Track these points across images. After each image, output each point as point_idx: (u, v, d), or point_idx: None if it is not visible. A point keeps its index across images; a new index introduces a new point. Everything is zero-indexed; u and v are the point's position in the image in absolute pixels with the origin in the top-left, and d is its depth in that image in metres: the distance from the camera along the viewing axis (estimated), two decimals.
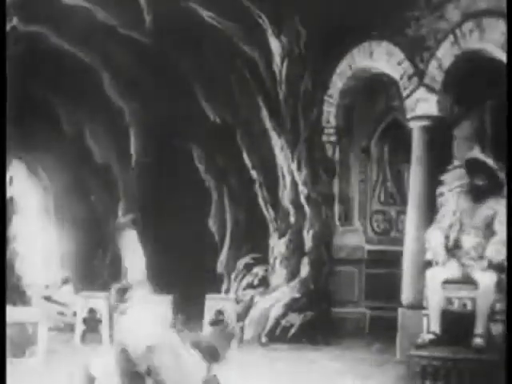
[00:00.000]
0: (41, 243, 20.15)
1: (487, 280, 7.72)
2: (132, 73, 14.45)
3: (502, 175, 8.07)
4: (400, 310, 9.59)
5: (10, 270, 13.93)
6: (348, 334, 10.84)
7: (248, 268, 13.59)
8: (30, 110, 15.27)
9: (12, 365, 8.06)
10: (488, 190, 8.08)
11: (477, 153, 8.28)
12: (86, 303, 11.06)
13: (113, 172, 17.19)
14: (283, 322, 10.91)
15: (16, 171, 17.43)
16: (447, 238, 8.14)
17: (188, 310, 11.73)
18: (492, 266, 7.77)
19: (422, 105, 9.74)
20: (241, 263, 13.86)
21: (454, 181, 8.57)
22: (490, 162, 8.12)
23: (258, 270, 13.19)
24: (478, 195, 8.11)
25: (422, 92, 9.75)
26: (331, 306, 11.01)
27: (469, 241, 8.08)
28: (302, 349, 10.32)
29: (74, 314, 11.57)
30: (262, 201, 13.15)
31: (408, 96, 9.89)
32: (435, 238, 8.12)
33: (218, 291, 13.47)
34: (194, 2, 11.46)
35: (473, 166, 8.16)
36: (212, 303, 10.78)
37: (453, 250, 8.15)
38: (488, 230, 8.01)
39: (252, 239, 13.96)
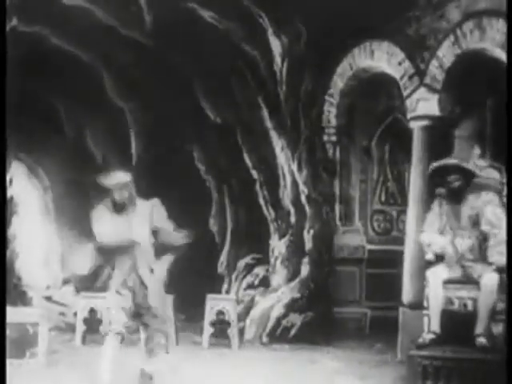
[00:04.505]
0: (41, 244, 20.15)
1: (490, 280, 7.71)
2: (132, 73, 14.44)
3: (473, 168, 8.08)
4: (401, 310, 9.59)
5: (11, 271, 13.92)
6: (349, 333, 10.83)
7: (249, 268, 13.58)
8: (30, 111, 15.27)
9: (12, 366, 8.07)
10: (464, 188, 8.04)
11: (442, 161, 8.27)
12: (86, 303, 11.05)
13: None
14: (284, 322, 10.91)
15: (16, 172, 17.42)
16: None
17: (188, 310, 11.72)
18: (498, 269, 7.76)
19: (423, 104, 9.73)
20: (241, 263, 13.85)
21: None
22: (455, 161, 8.13)
23: (259, 271, 13.18)
24: (457, 196, 8.07)
25: (422, 92, 9.74)
26: (332, 305, 11.00)
27: (462, 244, 8.06)
28: (303, 349, 10.31)
29: (75, 314, 11.56)
30: (262, 201, 13.13)
31: (409, 96, 9.88)
32: (439, 240, 8.08)
33: (219, 291, 13.47)
34: (194, 1, 11.45)
35: (443, 172, 8.12)
36: (213, 303, 10.77)
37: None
38: (476, 229, 7.99)
39: (253, 239, 13.95)
